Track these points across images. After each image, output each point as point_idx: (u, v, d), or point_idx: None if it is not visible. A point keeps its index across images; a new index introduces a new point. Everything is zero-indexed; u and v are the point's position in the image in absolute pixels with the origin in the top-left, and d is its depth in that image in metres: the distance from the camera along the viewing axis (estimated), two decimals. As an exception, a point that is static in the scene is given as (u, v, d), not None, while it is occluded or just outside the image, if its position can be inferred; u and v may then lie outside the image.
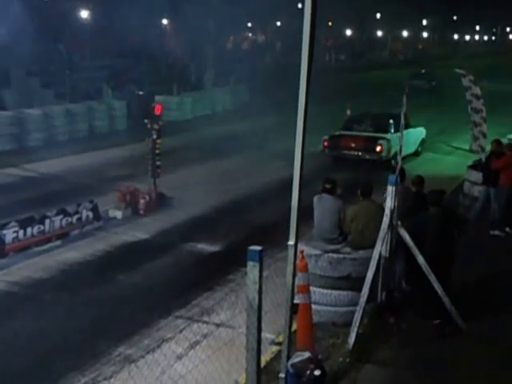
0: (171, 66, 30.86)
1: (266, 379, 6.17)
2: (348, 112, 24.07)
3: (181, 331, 8.27)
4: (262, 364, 5.48)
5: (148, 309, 8.97)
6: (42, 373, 7.28)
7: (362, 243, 8.43)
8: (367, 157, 18.30)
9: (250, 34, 57.27)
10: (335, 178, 9.25)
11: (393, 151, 18.11)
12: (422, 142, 20.62)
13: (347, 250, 8.47)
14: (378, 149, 18.10)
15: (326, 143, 18.78)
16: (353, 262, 8.22)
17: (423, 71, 42.93)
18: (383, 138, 18.35)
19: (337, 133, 19.33)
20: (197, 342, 7.98)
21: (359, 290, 7.83)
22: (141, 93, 26.91)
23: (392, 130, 18.69)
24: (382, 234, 7.94)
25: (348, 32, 72.06)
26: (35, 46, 23.19)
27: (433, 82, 39.92)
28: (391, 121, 19.09)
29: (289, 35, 46.53)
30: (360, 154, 18.39)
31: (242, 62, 35.27)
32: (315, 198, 8.95)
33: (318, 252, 8.27)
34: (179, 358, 7.57)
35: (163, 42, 32.27)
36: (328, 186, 8.92)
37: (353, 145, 18.55)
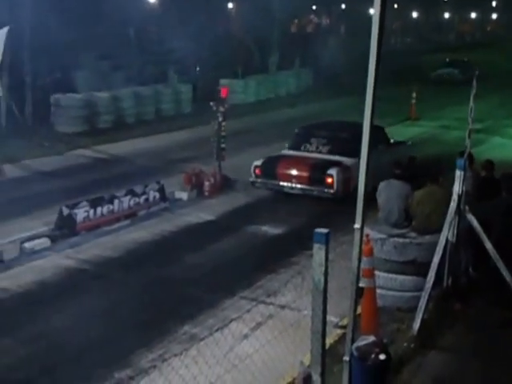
0: (236, 49, 30.96)
1: (330, 362, 6.19)
2: (414, 95, 23.66)
3: (246, 312, 8.38)
4: (326, 346, 5.50)
5: (212, 289, 9.13)
6: (111, 348, 7.50)
7: (428, 228, 8.33)
8: (314, 192, 12.81)
9: (315, 17, 56.71)
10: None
11: (354, 183, 11.49)
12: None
13: (413, 234, 8.39)
14: (328, 181, 12.54)
15: (257, 170, 13.42)
16: (418, 246, 8.13)
17: (466, 59, 37.75)
18: (337, 165, 12.85)
19: (275, 154, 13.98)
20: (262, 323, 8.07)
21: (424, 275, 7.74)
22: (197, 69, 27.08)
23: (355, 152, 13.73)
24: (448, 218, 7.81)
25: (414, 14, 70.50)
26: (105, 30, 23.69)
27: (466, 73, 31.65)
28: (357, 136, 13.82)
29: (353, 18, 45.87)
30: (303, 187, 12.87)
31: (307, 45, 35.04)
32: (382, 184, 8.91)
33: (383, 236, 8.23)
34: (245, 337, 7.68)
35: (228, 25, 32.38)
36: (397, 171, 8.90)
37: (294, 173, 13.03)
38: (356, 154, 12.02)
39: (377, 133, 13.55)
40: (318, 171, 12.75)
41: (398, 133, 20.82)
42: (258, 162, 13.45)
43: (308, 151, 13.58)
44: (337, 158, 13.06)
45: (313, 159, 13.24)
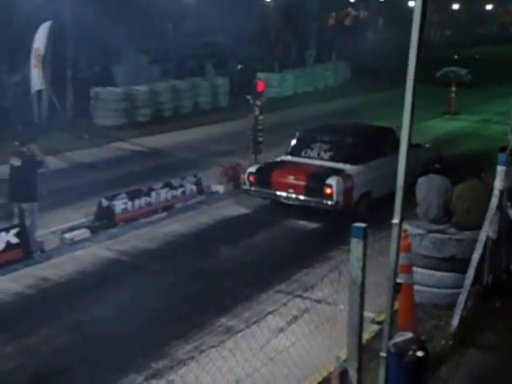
0: (273, 42, 30.93)
1: (367, 357, 6.16)
2: (453, 89, 23.22)
3: (282, 305, 8.40)
4: (363, 342, 5.47)
5: (248, 282, 9.17)
6: (148, 338, 7.59)
7: (468, 223, 8.22)
8: (312, 204, 11.54)
9: (353, 10, 56.26)
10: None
11: (358, 193, 11.64)
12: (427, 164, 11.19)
13: (452, 230, 8.29)
14: (327, 191, 11.26)
15: (251, 178, 12.24)
16: (458, 242, 8.03)
17: (476, 57, 33.82)
18: (338, 173, 11.58)
19: (271, 161, 12.80)
20: (298, 317, 8.09)
21: (464, 271, 7.64)
22: (239, 67, 27.14)
23: (359, 159, 12.02)
24: (489, 214, 7.69)
25: (455, 6, 69.36)
26: (144, 24, 23.92)
27: (475, 73, 30.42)
28: (362, 142, 12.49)
29: (392, 11, 45.43)
30: (300, 197, 11.64)
31: (344, 38, 34.83)
32: (422, 178, 8.81)
33: (421, 232, 8.14)
34: (281, 331, 7.72)
35: (266, 19, 32.34)
36: (437, 165, 8.82)
37: (290, 182, 11.75)
38: (360, 160, 11.95)
39: (387, 135, 12.72)
40: (315, 180, 11.50)
41: (437, 127, 20.72)
42: (252, 169, 12.33)
43: (308, 157, 12.33)
44: (339, 165, 11.89)
45: (311, 167, 12.02)
